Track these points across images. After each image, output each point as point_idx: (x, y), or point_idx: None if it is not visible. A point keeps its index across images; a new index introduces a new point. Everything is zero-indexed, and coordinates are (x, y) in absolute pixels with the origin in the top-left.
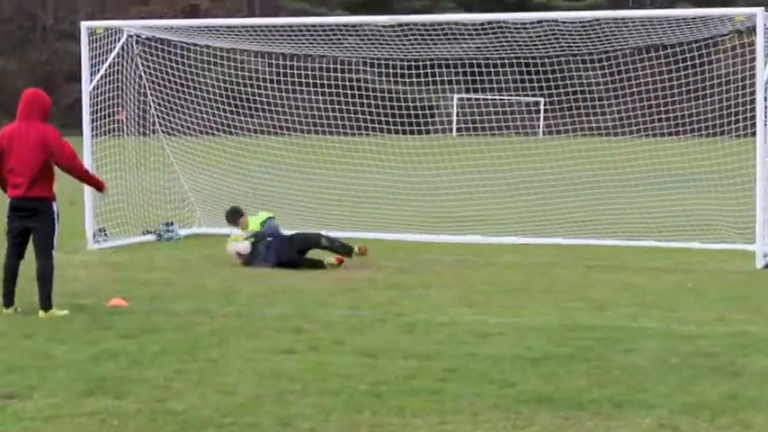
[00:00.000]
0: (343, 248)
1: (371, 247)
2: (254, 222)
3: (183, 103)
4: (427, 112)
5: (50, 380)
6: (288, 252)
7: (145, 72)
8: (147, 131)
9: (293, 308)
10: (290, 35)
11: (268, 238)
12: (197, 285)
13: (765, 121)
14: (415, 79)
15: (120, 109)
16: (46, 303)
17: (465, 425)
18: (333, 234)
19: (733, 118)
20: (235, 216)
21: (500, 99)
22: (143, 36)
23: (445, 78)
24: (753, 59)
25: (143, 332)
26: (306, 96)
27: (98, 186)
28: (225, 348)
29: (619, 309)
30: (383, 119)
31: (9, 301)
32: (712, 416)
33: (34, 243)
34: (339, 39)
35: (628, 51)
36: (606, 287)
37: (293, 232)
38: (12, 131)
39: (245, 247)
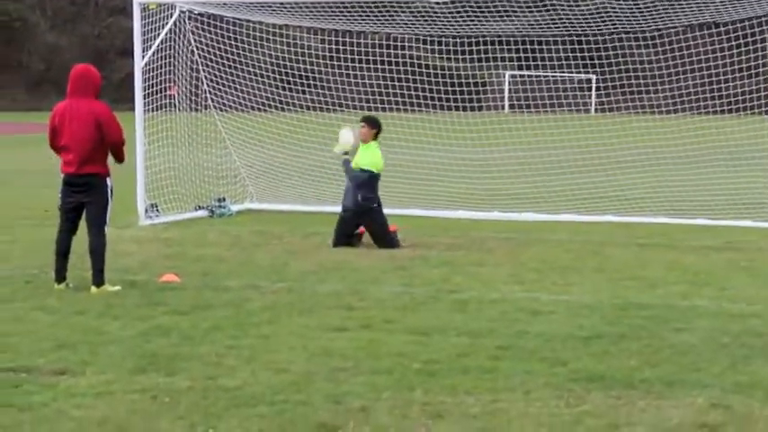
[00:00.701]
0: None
1: (424, 226)
2: (368, 156)
3: (234, 79)
4: (480, 88)
5: (102, 356)
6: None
7: (197, 48)
8: (199, 107)
9: (345, 285)
10: (342, 11)
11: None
12: (248, 261)
13: None
14: (467, 56)
15: (171, 84)
16: (98, 279)
17: (517, 403)
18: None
19: None
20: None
21: (552, 76)
22: (195, 12)
23: (498, 55)
24: None
25: (194, 308)
26: (358, 73)
27: (121, 159)
28: (276, 325)
29: (670, 287)
30: (435, 95)
31: (61, 277)
32: (765, 395)
33: (87, 219)
34: (392, 15)
35: (680, 29)
36: (658, 266)
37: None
38: (63, 109)
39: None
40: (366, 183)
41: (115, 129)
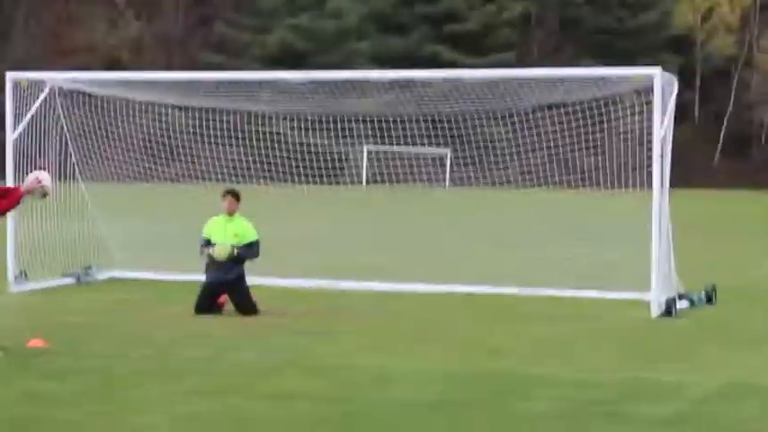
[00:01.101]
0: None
1: (281, 295)
2: (242, 225)
3: (103, 151)
4: (338, 164)
5: None
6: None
7: (66, 122)
8: (68, 178)
9: (206, 351)
10: (207, 89)
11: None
12: (114, 328)
13: (661, 175)
14: (327, 132)
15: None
16: None
17: None
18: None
19: (632, 172)
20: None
21: (407, 152)
22: (65, 88)
23: (355, 132)
24: (651, 117)
25: (61, 374)
26: (222, 147)
27: (18, 198)
28: (141, 390)
29: (516, 356)
30: (296, 169)
31: None
32: None
33: None
34: (254, 93)
35: (530, 108)
36: (505, 335)
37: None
38: None
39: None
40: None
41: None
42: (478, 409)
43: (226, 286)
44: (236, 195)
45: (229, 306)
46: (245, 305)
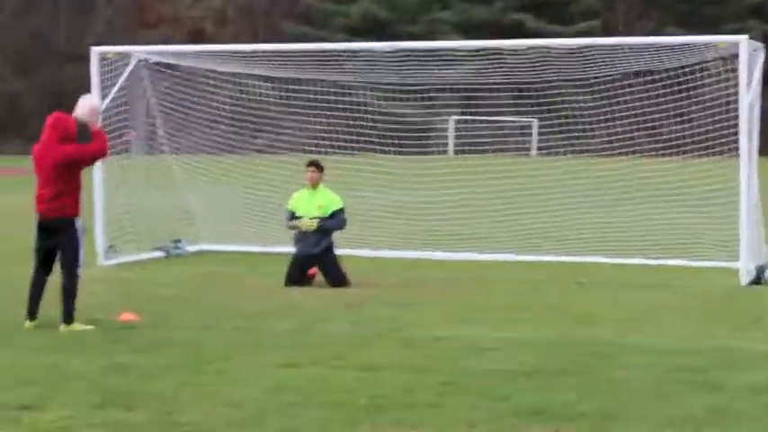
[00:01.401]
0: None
1: (371, 267)
2: (327, 196)
3: (190, 123)
4: (425, 134)
5: (63, 391)
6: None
7: (153, 94)
8: (155, 151)
9: (296, 323)
10: (292, 60)
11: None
12: (204, 301)
13: (749, 143)
14: (413, 102)
15: (129, 130)
16: (68, 318)
17: None
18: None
19: (719, 140)
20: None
21: (494, 121)
22: (151, 60)
23: (442, 101)
24: (736, 84)
25: (152, 346)
26: (308, 118)
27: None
28: (230, 362)
29: (607, 324)
30: (383, 140)
31: (33, 316)
32: (697, 428)
33: (60, 260)
34: (340, 63)
35: (616, 76)
36: (595, 303)
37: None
38: (35, 151)
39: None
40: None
41: (81, 158)
42: (570, 377)
43: (314, 259)
44: (318, 166)
45: (320, 278)
46: (336, 277)
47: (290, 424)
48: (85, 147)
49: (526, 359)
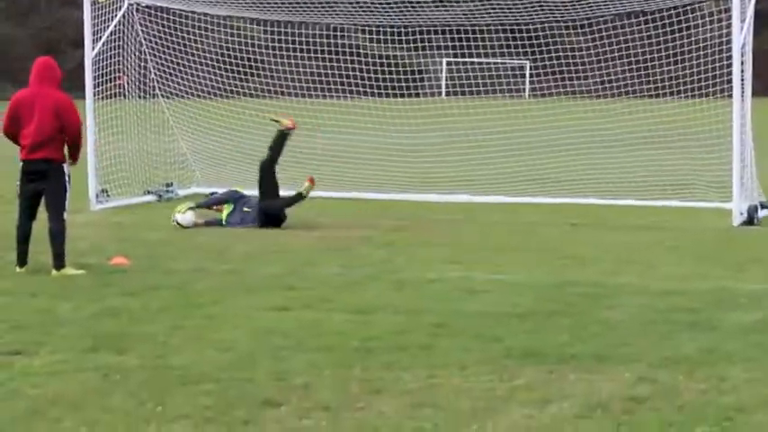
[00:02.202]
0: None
1: (363, 209)
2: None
3: (181, 67)
4: (417, 75)
5: (55, 336)
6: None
7: (145, 38)
8: (147, 95)
9: (286, 266)
10: (284, 2)
11: (245, 208)
12: (194, 245)
13: (742, 83)
14: (405, 44)
15: (120, 74)
16: (59, 262)
17: (453, 379)
18: (325, 194)
19: (711, 81)
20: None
21: (487, 63)
22: (143, 4)
23: (434, 43)
24: (729, 25)
25: (143, 290)
26: (300, 61)
27: (75, 159)
28: (221, 305)
29: (600, 266)
30: (375, 83)
31: (23, 262)
32: (690, 369)
33: (46, 205)
34: (331, 5)
35: (610, 17)
36: (588, 245)
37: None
38: (25, 96)
39: (185, 218)
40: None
41: (74, 119)
42: (563, 318)
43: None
44: None
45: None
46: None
47: (280, 367)
48: (80, 142)
49: (519, 301)
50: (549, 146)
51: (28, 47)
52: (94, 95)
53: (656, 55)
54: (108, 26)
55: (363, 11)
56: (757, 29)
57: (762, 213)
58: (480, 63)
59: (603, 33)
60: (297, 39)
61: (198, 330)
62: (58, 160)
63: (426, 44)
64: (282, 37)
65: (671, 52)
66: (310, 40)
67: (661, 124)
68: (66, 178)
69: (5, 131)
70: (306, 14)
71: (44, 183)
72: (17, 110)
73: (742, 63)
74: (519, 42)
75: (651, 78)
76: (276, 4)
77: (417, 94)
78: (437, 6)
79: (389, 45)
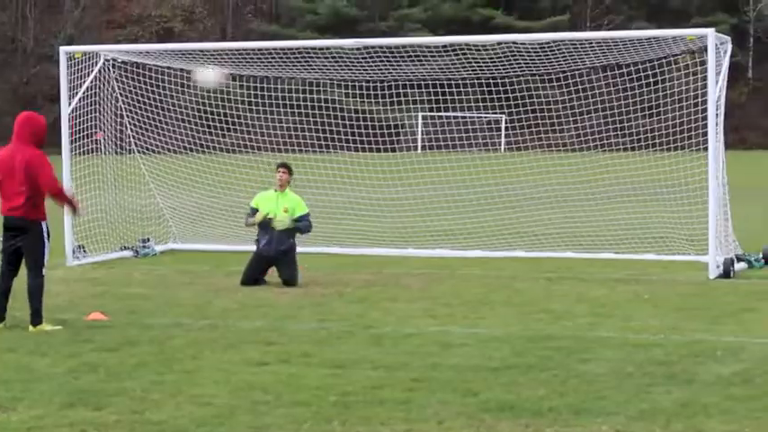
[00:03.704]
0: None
1: (340, 264)
2: (294, 200)
3: (158, 123)
4: (393, 130)
5: (33, 392)
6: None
7: (121, 94)
8: (124, 151)
9: (264, 321)
10: (260, 58)
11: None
12: (172, 300)
13: (717, 136)
14: (381, 99)
15: (97, 130)
16: (36, 319)
17: None
18: (300, 249)
19: (687, 134)
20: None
21: (463, 117)
22: (119, 60)
23: (410, 98)
24: (705, 77)
25: (121, 345)
26: (277, 116)
27: (74, 208)
28: (200, 360)
29: (577, 319)
30: (351, 137)
31: (1, 317)
32: (667, 422)
33: (25, 261)
34: (307, 60)
35: (585, 70)
36: (565, 298)
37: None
38: (3, 155)
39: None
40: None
41: (44, 177)
42: (540, 372)
43: (276, 258)
44: (289, 168)
45: (272, 278)
46: (288, 275)
47: (259, 422)
48: (62, 193)
49: (495, 354)
50: (526, 199)
51: (4, 101)
52: (71, 151)
53: (631, 108)
54: (84, 81)
55: (339, 66)
56: (731, 82)
57: (738, 266)
58: (456, 117)
59: (579, 86)
60: (273, 93)
61: (176, 385)
62: (35, 219)
63: (402, 98)
64: (258, 92)
65: (646, 105)
66: (286, 95)
67: (637, 177)
68: (45, 234)
69: None
70: (282, 69)
71: (23, 240)
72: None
73: (717, 116)
74: (495, 96)
75: (627, 131)
76: (252, 59)
77: (394, 149)
78: (413, 61)
79: (366, 100)
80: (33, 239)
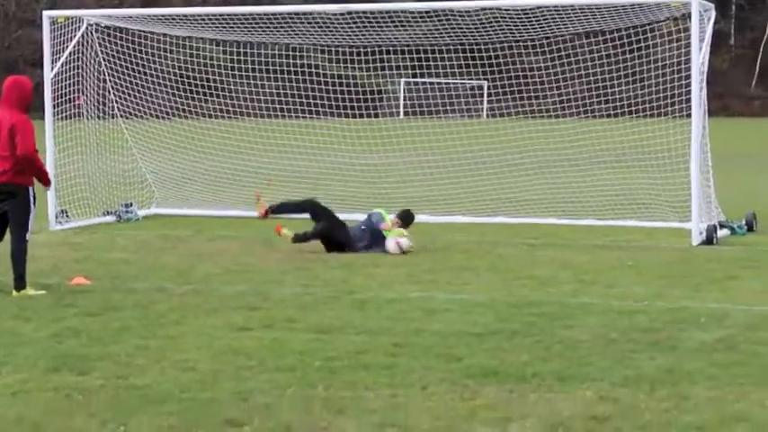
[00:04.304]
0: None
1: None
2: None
3: (140, 88)
4: (376, 96)
5: (17, 356)
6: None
7: (104, 59)
8: (106, 116)
9: (248, 286)
10: (242, 23)
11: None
12: (155, 264)
13: (700, 103)
14: (364, 65)
15: (79, 95)
16: (19, 283)
17: (415, 398)
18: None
19: (669, 100)
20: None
21: (445, 83)
22: (102, 24)
23: (393, 63)
24: (688, 44)
25: (104, 310)
26: (259, 82)
27: (46, 182)
28: (183, 325)
29: (560, 286)
30: (334, 103)
31: None
32: (651, 388)
33: (10, 226)
34: (290, 26)
35: (568, 36)
36: (548, 265)
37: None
38: None
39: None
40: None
41: (23, 140)
42: (524, 337)
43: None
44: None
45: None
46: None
47: (243, 387)
48: (41, 167)
49: (479, 320)
50: (508, 166)
51: None
52: (54, 116)
53: (614, 74)
54: (67, 46)
55: (322, 30)
56: (713, 49)
57: (721, 233)
58: (439, 83)
59: (562, 53)
60: (255, 59)
61: (160, 350)
62: (22, 184)
63: (385, 64)
64: (241, 57)
65: (629, 72)
66: (269, 60)
67: (619, 144)
68: (32, 199)
69: None
70: (264, 35)
71: (7, 204)
72: None
73: (700, 83)
74: (477, 62)
75: (609, 98)
76: (234, 24)
77: (376, 114)
78: (396, 27)
79: (348, 65)
80: (20, 204)
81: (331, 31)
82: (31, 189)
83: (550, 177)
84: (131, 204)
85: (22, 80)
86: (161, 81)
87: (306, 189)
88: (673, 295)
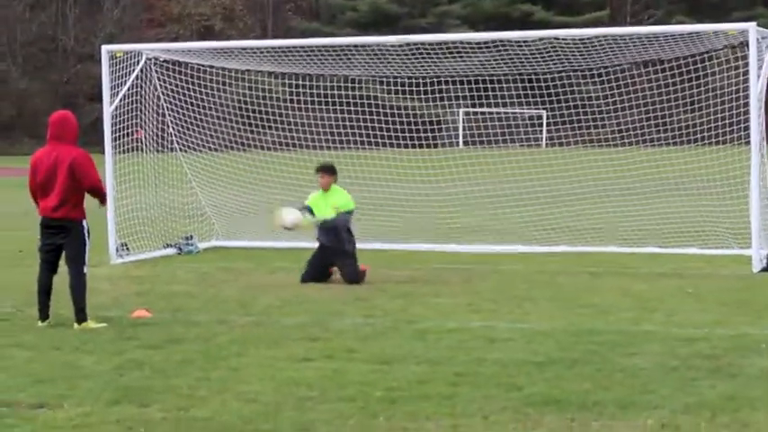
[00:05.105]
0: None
1: (383, 259)
2: (340, 198)
3: (199, 121)
4: (435, 126)
5: (79, 389)
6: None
7: (163, 92)
8: (165, 149)
9: (308, 317)
10: (301, 55)
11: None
12: (216, 297)
13: (759, 130)
14: (422, 95)
15: (138, 128)
16: (80, 316)
17: (476, 427)
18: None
19: (728, 128)
20: (326, 172)
21: (504, 113)
22: (161, 58)
23: (452, 94)
24: (746, 72)
25: (166, 342)
26: (317, 114)
27: (103, 201)
28: (244, 357)
29: (621, 314)
30: (393, 134)
31: (44, 315)
32: (712, 415)
33: (66, 259)
34: (349, 57)
35: (626, 66)
36: (609, 293)
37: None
38: (41, 155)
39: (291, 220)
40: (349, 222)
41: (88, 173)
42: (584, 366)
43: (334, 253)
44: (327, 170)
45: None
46: (351, 275)
47: (305, 418)
48: (103, 191)
49: (540, 349)
50: (568, 194)
51: (45, 101)
52: (113, 150)
53: (672, 103)
54: (126, 80)
55: (380, 62)
56: None
57: None
58: (498, 113)
59: (620, 82)
60: (314, 91)
61: (221, 382)
62: (77, 219)
63: (444, 94)
64: (299, 90)
65: (687, 100)
66: (327, 92)
67: (678, 172)
68: (86, 233)
69: (30, 189)
70: (323, 67)
71: (63, 238)
72: (35, 169)
73: (759, 109)
74: (536, 92)
75: (668, 126)
76: (293, 57)
77: (435, 145)
78: (453, 57)
79: (407, 96)
80: (75, 238)
81: (389, 62)
82: (85, 222)
83: (610, 206)
84: (192, 237)
85: (68, 115)
86: (220, 114)
87: (365, 220)
88: (733, 322)
